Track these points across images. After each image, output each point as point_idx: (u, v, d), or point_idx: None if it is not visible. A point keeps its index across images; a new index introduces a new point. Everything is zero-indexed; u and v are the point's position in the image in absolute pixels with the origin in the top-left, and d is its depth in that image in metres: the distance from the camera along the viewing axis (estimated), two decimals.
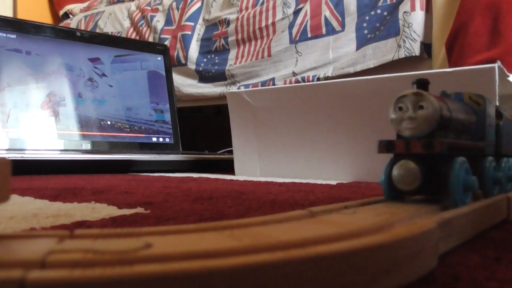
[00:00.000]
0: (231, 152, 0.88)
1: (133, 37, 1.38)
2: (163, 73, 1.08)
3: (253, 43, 1.14)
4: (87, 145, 0.92)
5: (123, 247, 0.12)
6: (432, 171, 0.23)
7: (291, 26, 1.06)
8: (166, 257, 0.11)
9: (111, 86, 0.99)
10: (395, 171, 0.23)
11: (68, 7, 1.75)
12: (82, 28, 1.52)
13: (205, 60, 1.22)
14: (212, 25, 1.23)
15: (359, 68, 0.93)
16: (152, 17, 1.34)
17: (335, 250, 0.13)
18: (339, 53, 0.97)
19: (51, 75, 0.91)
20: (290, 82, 1.03)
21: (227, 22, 1.19)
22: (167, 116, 1.06)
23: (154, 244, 0.13)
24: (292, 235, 0.14)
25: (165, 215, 0.31)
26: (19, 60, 0.87)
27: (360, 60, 0.93)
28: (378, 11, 0.93)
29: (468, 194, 0.24)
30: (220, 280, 0.11)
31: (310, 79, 1.00)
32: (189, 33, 1.25)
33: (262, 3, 1.14)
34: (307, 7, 1.04)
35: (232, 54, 1.17)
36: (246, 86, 1.11)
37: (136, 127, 1.00)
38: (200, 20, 1.26)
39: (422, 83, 0.23)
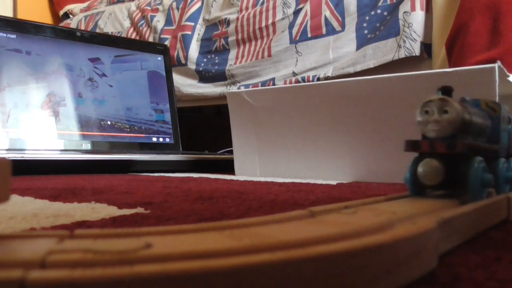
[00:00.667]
0: (231, 152, 0.88)
1: (133, 37, 1.38)
2: (163, 73, 1.08)
3: (253, 43, 1.14)
4: (87, 145, 0.92)
5: (123, 247, 0.12)
6: (453, 169, 0.25)
7: (291, 26, 1.06)
8: (166, 257, 0.11)
9: (111, 86, 0.99)
10: (420, 168, 0.25)
11: (68, 7, 1.75)
12: (82, 28, 1.52)
13: (205, 60, 1.22)
14: (212, 25, 1.23)
15: (359, 68, 0.93)
16: (152, 17, 1.34)
17: (335, 250, 0.13)
18: (339, 53, 0.97)
19: (51, 75, 0.91)
20: (290, 82, 1.03)
21: (227, 22, 1.19)
22: (167, 116, 1.06)
23: (154, 244, 0.13)
24: (292, 235, 0.14)
25: (165, 215, 0.31)
26: (19, 60, 0.87)
27: (360, 60, 0.93)
28: (378, 11, 0.93)
29: (484, 190, 0.26)
30: (220, 280, 0.11)
31: (310, 79, 1.00)
32: (189, 33, 1.25)
33: (262, 3, 1.14)
34: (307, 7, 1.04)
35: (232, 54, 1.17)
36: (246, 86, 1.11)
37: (136, 127, 1.00)
38: (200, 20, 1.26)
39: (447, 90, 0.26)
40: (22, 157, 0.74)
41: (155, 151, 0.99)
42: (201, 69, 1.21)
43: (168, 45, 1.22)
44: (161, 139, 1.03)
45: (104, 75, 0.98)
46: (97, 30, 1.47)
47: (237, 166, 0.81)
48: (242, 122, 0.79)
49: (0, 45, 0.86)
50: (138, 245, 0.12)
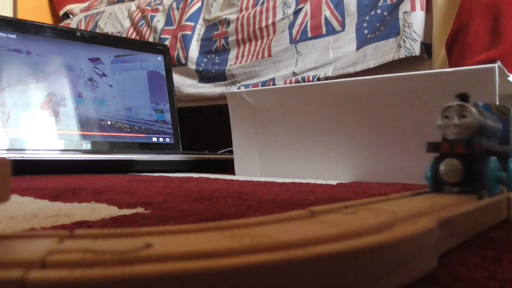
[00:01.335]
0: (231, 152, 0.88)
1: (133, 37, 1.38)
2: (163, 73, 1.08)
3: (253, 43, 1.14)
4: (87, 145, 0.92)
5: (123, 247, 0.12)
6: (470, 167, 0.28)
7: (291, 26, 1.06)
8: (166, 257, 0.11)
9: (111, 86, 0.99)
10: (442, 167, 0.28)
11: (68, 7, 1.75)
12: (82, 28, 1.52)
13: (205, 60, 1.22)
14: (212, 25, 1.23)
15: (359, 68, 0.93)
16: (152, 17, 1.34)
17: (335, 250, 0.13)
18: (339, 53, 0.97)
19: (51, 75, 0.91)
20: (290, 82, 1.03)
21: (227, 22, 1.19)
22: (167, 116, 1.06)
23: (154, 244, 0.13)
24: (292, 235, 0.14)
25: (165, 215, 0.31)
26: (19, 60, 0.87)
27: (360, 60, 0.93)
28: (378, 11, 0.93)
29: (499, 187, 0.29)
30: (220, 280, 0.11)
31: (310, 79, 1.00)
32: (189, 33, 1.25)
33: (262, 3, 1.14)
34: (307, 7, 1.04)
35: (232, 54, 1.17)
36: (246, 86, 1.11)
37: (136, 127, 1.00)
38: (200, 20, 1.26)
39: (464, 97, 0.29)
40: (22, 157, 0.74)
41: (155, 151, 0.99)
42: (201, 69, 1.21)
43: (168, 45, 1.22)
44: (161, 139, 1.03)
45: (104, 75, 0.98)
46: (97, 30, 1.47)
47: (237, 166, 0.81)
48: (242, 122, 0.79)
49: (0, 45, 0.86)
50: (138, 245, 0.12)
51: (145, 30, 1.35)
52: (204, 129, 1.54)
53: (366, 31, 0.95)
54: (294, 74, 1.03)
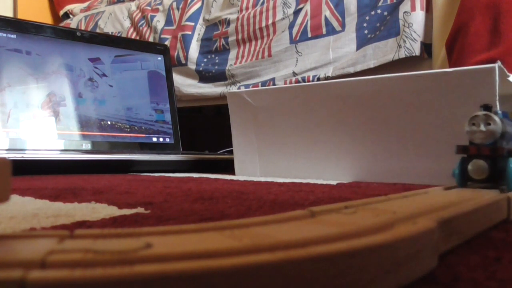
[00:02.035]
0: (231, 152, 0.88)
1: (133, 37, 1.38)
2: (163, 73, 1.08)
3: (253, 43, 1.14)
4: (87, 145, 0.92)
5: (123, 247, 0.12)
6: (494, 167, 0.33)
7: (291, 26, 1.06)
8: (166, 257, 0.11)
9: (111, 86, 0.99)
10: (470, 167, 0.33)
11: (68, 7, 1.75)
12: (82, 28, 1.52)
13: (205, 60, 1.22)
14: (212, 25, 1.23)
15: (359, 68, 0.93)
16: (152, 17, 1.34)
17: (335, 250, 0.13)
18: (339, 53, 0.97)
19: (51, 75, 0.91)
20: (290, 82, 1.03)
21: (227, 22, 1.19)
22: (167, 116, 1.06)
23: (154, 244, 0.13)
24: (292, 235, 0.14)
25: (165, 215, 0.31)
26: (19, 60, 0.87)
27: (360, 60, 0.93)
28: (378, 11, 0.93)
29: None
30: (220, 280, 0.11)
31: (310, 79, 1.00)
32: (189, 33, 1.25)
33: (262, 3, 1.14)
34: (307, 7, 1.04)
35: (232, 54, 1.17)
36: (246, 86, 1.11)
37: (136, 127, 1.00)
38: (200, 20, 1.26)
39: (488, 107, 0.34)
40: (22, 157, 0.74)
41: (155, 151, 0.99)
42: (201, 69, 1.21)
43: (168, 45, 1.22)
44: (161, 139, 1.03)
45: (104, 75, 0.98)
46: (97, 30, 1.47)
47: (237, 166, 0.81)
48: (242, 122, 0.79)
49: (0, 45, 0.86)
50: (138, 245, 0.12)
51: (145, 30, 1.35)
52: (204, 129, 1.54)
53: (366, 31, 0.95)
54: (294, 74, 1.03)
